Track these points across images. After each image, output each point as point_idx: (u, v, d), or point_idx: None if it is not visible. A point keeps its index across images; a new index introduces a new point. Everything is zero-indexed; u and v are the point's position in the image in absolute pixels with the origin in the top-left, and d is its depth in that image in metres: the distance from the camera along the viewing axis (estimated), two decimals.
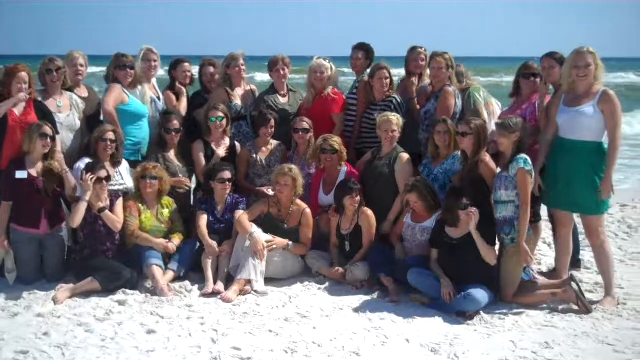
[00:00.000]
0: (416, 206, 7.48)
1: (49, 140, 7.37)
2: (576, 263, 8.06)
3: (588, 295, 7.14)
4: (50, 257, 7.61)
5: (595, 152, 6.98)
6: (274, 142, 8.63)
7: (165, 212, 7.93)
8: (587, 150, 6.97)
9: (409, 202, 7.53)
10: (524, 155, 6.90)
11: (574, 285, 6.89)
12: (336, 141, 8.17)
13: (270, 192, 8.08)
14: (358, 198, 7.72)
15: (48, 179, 7.44)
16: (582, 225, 7.41)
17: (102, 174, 7.48)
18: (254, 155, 8.49)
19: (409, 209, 7.60)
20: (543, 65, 7.89)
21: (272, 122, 8.44)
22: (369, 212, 7.77)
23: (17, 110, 7.56)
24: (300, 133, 8.44)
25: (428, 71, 8.83)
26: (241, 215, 7.81)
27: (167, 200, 7.99)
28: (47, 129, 7.38)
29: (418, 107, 8.68)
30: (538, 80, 7.81)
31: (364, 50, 9.42)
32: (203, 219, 7.90)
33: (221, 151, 8.40)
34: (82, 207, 7.38)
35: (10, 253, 7.45)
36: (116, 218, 7.54)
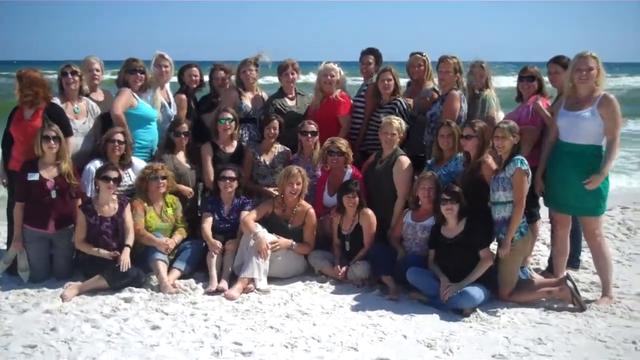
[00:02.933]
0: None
1: (52, 142, 7.58)
2: (575, 263, 8.18)
3: (583, 294, 7.28)
4: (59, 255, 7.84)
5: (593, 155, 7.05)
6: (278, 147, 8.79)
7: (169, 210, 8.11)
8: (585, 153, 7.06)
9: (418, 199, 7.69)
10: (520, 157, 7.03)
11: (569, 283, 7.03)
12: (343, 143, 8.34)
13: (276, 193, 8.27)
14: (357, 199, 7.85)
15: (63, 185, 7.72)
16: (581, 227, 7.55)
17: (113, 174, 7.66)
18: (258, 157, 8.67)
19: (413, 206, 7.77)
20: (549, 70, 8.04)
21: (276, 122, 8.62)
22: (369, 212, 7.91)
23: (27, 115, 7.84)
24: (308, 136, 8.59)
25: (433, 76, 9.01)
26: (246, 215, 7.99)
27: (170, 198, 8.16)
28: (50, 132, 7.59)
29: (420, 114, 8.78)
30: (535, 83, 7.94)
31: (373, 54, 9.60)
32: (208, 220, 8.10)
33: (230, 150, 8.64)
34: (93, 252, 7.58)
35: (24, 252, 7.71)
36: (132, 235, 7.73)
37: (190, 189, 8.50)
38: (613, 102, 6.99)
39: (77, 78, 8.20)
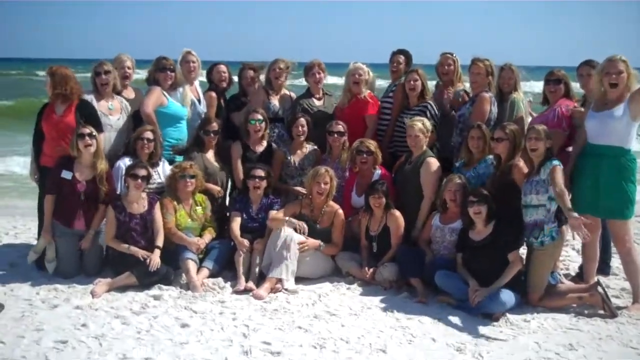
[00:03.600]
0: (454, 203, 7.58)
1: (87, 138, 7.62)
2: (605, 270, 8.09)
3: (614, 301, 7.18)
4: (89, 252, 7.87)
5: (621, 157, 6.99)
6: (308, 146, 8.78)
7: (199, 209, 8.13)
8: (613, 155, 6.98)
9: (445, 201, 7.64)
10: (554, 158, 6.99)
11: (600, 289, 6.96)
12: (372, 143, 8.34)
13: (303, 192, 8.28)
14: (383, 199, 7.82)
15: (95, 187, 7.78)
16: (610, 232, 7.49)
17: (141, 172, 7.71)
18: (288, 157, 8.67)
19: (440, 209, 7.73)
20: (580, 73, 7.97)
21: (303, 120, 8.63)
22: (397, 213, 7.88)
23: (59, 110, 7.90)
24: (335, 136, 8.59)
25: (463, 77, 8.96)
26: (275, 213, 8.00)
27: (200, 197, 8.18)
28: (84, 129, 7.64)
29: (453, 112, 8.77)
30: (562, 86, 7.88)
31: (404, 55, 9.55)
32: (236, 220, 8.11)
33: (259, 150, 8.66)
34: (122, 249, 7.65)
35: (53, 244, 7.77)
36: (161, 237, 7.78)
37: (219, 188, 8.53)
38: None
39: (110, 78, 8.26)
